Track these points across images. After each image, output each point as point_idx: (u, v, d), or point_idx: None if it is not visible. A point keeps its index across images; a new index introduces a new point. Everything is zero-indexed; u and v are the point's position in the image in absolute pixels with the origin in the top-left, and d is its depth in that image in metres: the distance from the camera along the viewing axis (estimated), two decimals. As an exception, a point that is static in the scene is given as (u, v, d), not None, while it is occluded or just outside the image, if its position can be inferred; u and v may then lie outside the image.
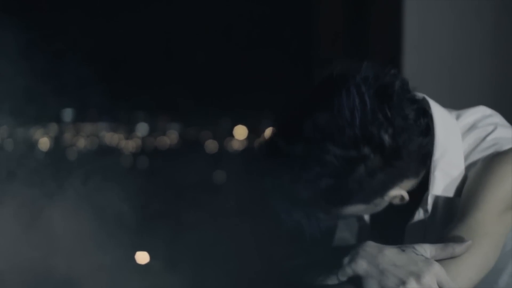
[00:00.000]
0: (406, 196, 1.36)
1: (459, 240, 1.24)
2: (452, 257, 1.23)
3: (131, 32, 3.31)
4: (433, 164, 1.39)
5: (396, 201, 1.37)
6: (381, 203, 1.37)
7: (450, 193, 1.39)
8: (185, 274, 2.12)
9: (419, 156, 1.34)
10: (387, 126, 1.27)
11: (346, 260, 1.24)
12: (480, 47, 2.59)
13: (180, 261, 2.21)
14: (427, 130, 1.35)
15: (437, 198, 1.40)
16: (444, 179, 1.39)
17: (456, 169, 1.39)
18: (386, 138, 1.27)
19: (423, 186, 1.40)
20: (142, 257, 2.36)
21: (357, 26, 2.85)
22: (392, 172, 1.31)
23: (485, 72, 2.58)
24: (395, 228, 1.44)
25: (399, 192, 1.35)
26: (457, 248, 1.23)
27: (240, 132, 3.89)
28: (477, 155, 1.39)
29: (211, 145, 3.88)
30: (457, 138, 1.41)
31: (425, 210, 1.40)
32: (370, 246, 1.24)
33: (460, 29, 2.55)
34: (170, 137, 3.83)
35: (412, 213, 1.41)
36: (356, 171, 1.28)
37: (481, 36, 2.58)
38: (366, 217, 1.53)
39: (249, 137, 3.89)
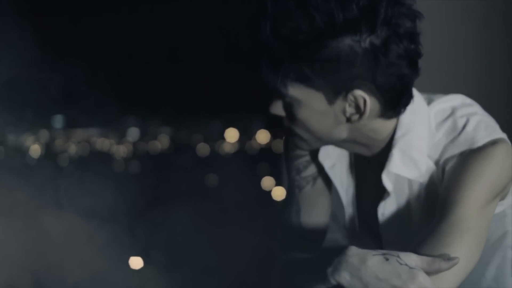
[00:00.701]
0: (368, 104, 1.33)
1: (446, 256, 1.24)
2: (437, 272, 1.23)
3: (121, 39, 3.31)
4: (393, 142, 1.40)
5: (352, 111, 1.34)
6: (337, 110, 1.35)
7: (411, 175, 1.40)
8: (179, 279, 2.12)
9: (398, 70, 1.31)
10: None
11: (329, 270, 1.23)
12: (469, 47, 2.60)
13: (174, 266, 2.21)
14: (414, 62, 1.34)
15: (402, 181, 1.42)
16: (402, 158, 1.40)
17: (417, 151, 1.40)
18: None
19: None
20: (136, 262, 2.35)
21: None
22: (375, 60, 1.29)
23: (475, 72, 2.59)
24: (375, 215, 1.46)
25: (363, 94, 1.32)
26: (444, 265, 1.23)
27: (231, 134, 3.89)
28: (454, 149, 1.39)
29: (202, 149, 3.88)
30: (423, 121, 1.41)
31: (383, 188, 1.40)
32: (353, 256, 1.23)
33: (448, 30, 2.56)
34: (162, 141, 3.83)
35: (380, 195, 1.43)
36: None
37: (470, 36, 2.59)
38: (351, 210, 1.53)
39: (241, 140, 3.89)
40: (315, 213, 1.54)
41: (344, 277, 1.22)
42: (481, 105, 1.48)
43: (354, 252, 1.23)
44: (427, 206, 1.41)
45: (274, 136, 3.86)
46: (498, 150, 1.34)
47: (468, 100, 1.46)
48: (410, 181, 1.42)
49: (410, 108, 1.39)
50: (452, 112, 1.43)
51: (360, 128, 1.37)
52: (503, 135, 1.39)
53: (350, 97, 1.32)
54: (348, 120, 1.35)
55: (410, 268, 1.21)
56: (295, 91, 1.32)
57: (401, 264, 1.22)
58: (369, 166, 1.48)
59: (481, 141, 1.36)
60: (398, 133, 1.40)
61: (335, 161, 1.52)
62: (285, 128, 1.40)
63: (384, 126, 1.39)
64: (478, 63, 2.59)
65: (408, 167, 1.40)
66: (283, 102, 1.35)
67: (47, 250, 1.83)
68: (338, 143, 1.41)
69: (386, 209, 1.44)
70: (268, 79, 1.34)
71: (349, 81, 1.30)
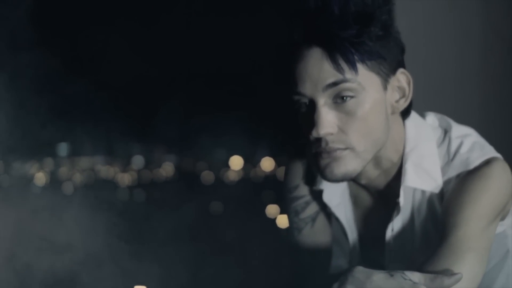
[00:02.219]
0: (411, 84, 1.38)
1: (449, 272, 1.25)
2: None
3: (125, 66, 3.32)
4: (404, 157, 1.42)
5: (397, 96, 1.39)
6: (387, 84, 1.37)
7: (428, 187, 1.41)
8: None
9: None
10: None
11: (335, 285, 1.24)
12: (471, 73, 2.60)
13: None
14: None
15: (416, 197, 1.42)
16: (416, 171, 1.41)
17: (429, 160, 1.42)
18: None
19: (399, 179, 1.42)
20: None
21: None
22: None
23: (477, 98, 2.59)
24: (380, 233, 1.45)
25: (406, 72, 1.38)
26: (446, 281, 1.23)
27: (236, 162, 3.90)
28: (450, 172, 1.41)
29: (207, 176, 3.88)
30: (427, 133, 1.44)
31: (397, 203, 1.41)
32: (359, 271, 1.24)
33: (450, 56, 2.57)
34: (166, 169, 3.84)
35: (391, 211, 1.42)
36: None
37: (473, 62, 2.60)
38: (354, 236, 1.53)
39: (245, 167, 3.89)
40: (316, 252, 1.54)
41: None
42: (483, 131, 1.49)
43: (360, 270, 1.24)
44: (431, 219, 1.41)
45: (278, 163, 3.87)
46: (494, 169, 1.36)
47: (452, 122, 1.49)
48: (414, 194, 1.42)
49: (412, 123, 1.43)
50: (446, 133, 1.45)
51: (392, 126, 1.39)
52: (497, 155, 1.40)
53: (397, 77, 1.38)
54: (393, 110, 1.38)
55: (414, 283, 1.22)
56: (362, 75, 1.33)
57: (405, 279, 1.22)
58: (369, 197, 1.49)
59: (476, 161, 1.38)
60: (407, 148, 1.42)
61: (339, 200, 1.52)
62: (329, 154, 1.35)
63: (399, 132, 1.42)
64: (481, 89, 2.60)
65: (423, 179, 1.42)
66: (336, 112, 1.34)
67: (51, 276, 1.83)
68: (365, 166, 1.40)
69: (395, 225, 1.44)
70: (329, 73, 1.32)
71: (399, 55, 1.38)
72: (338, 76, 1.31)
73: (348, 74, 1.31)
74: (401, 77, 1.38)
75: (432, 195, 1.42)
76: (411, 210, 1.43)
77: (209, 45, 3.47)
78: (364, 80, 1.33)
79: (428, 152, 1.42)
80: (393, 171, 1.44)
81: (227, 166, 3.88)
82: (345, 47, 1.31)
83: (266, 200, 3.81)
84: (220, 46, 3.46)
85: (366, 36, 1.31)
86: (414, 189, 1.43)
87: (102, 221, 1.93)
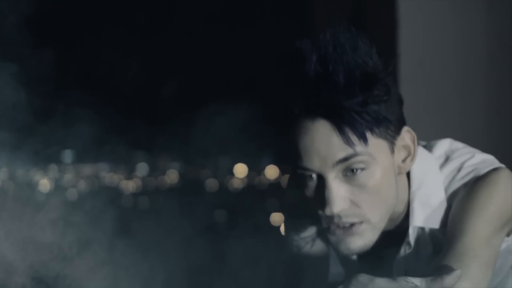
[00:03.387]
0: (416, 141, 1.33)
1: (448, 269, 1.24)
2: None
3: (126, 72, 3.33)
4: (411, 196, 1.39)
5: (403, 155, 1.33)
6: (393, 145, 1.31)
7: (435, 224, 1.39)
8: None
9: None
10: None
11: None
12: (475, 83, 2.60)
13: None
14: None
15: (422, 233, 1.40)
16: (423, 209, 1.38)
17: (436, 199, 1.39)
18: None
19: (407, 220, 1.40)
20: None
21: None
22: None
23: (481, 109, 2.59)
24: (382, 265, 1.43)
25: (410, 130, 1.32)
26: (446, 279, 1.22)
27: (240, 170, 3.90)
28: (457, 184, 1.39)
29: (211, 184, 3.88)
30: (433, 168, 1.41)
31: (407, 243, 1.39)
32: (363, 276, 1.21)
33: (454, 66, 2.57)
34: (170, 177, 3.84)
35: (398, 249, 1.41)
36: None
37: (477, 72, 2.60)
38: (354, 257, 1.51)
39: (249, 175, 3.89)
40: (314, 270, 1.53)
41: None
42: (485, 138, 1.49)
43: (364, 275, 1.22)
44: (436, 250, 1.40)
45: (283, 171, 3.86)
46: (501, 176, 1.34)
47: (460, 144, 1.46)
48: (420, 229, 1.41)
49: (416, 161, 1.37)
50: (447, 157, 1.43)
51: (399, 185, 1.35)
52: (503, 166, 1.39)
53: (402, 137, 1.32)
54: (399, 171, 1.33)
55: (416, 285, 1.21)
56: (372, 144, 1.26)
57: (407, 282, 1.21)
58: None
59: (483, 170, 1.36)
60: (413, 187, 1.38)
61: None
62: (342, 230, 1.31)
63: (404, 183, 1.38)
64: (484, 97, 2.60)
65: (430, 217, 1.39)
66: (347, 185, 1.28)
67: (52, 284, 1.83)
68: None
69: (400, 260, 1.42)
70: (338, 148, 1.25)
71: (401, 112, 1.31)
72: (349, 151, 1.25)
73: (359, 147, 1.25)
74: (406, 136, 1.33)
75: (438, 230, 1.40)
76: (416, 244, 1.41)
77: (213, 54, 3.47)
78: (373, 149, 1.27)
79: (435, 188, 1.39)
80: (401, 216, 1.40)
81: (231, 173, 3.88)
82: (353, 118, 1.23)
83: (270, 208, 3.80)
84: (222, 54, 3.46)
85: (372, 102, 1.24)
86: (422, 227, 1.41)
87: (106, 228, 1.93)
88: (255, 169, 3.88)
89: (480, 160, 1.39)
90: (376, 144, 1.27)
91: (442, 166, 1.42)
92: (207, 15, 3.42)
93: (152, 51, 3.42)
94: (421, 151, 1.41)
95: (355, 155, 1.26)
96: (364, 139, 1.25)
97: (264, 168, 3.92)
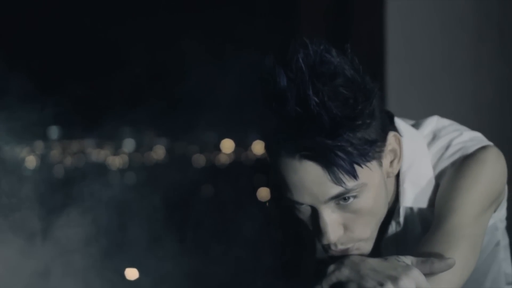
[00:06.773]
0: (401, 142, 1.31)
1: (441, 257, 1.25)
2: (431, 273, 1.23)
3: (116, 49, 3.31)
4: (401, 177, 1.40)
5: (391, 157, 1.31)
6: (378, 161, 1.29)
7: (423, 204, 1.40)
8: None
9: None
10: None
11: (331, 268, 1.24)
12: (463, 59, 2.61)
13: (169, 277, 2.20)
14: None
15: (411, 212, 1.41)
16: (413, 190, 1.39)
17: (425, 179, 1.39)
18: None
19: (396, 200, 1.41)
20: (132, 274, 2.35)
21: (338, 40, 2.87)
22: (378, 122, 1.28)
23: (469, 86, 2.60)
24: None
25: (394, 133, 1.30)
26: (436, 264, 1.23)
27: (227, 146, 3.89)
28: (445, 162, 1.39)
29: (198, 159, 3.88)
30: (422, 148, 1.41)
31: (397, 223, 1.40)
32: (355, 256, 1.25)
33: (442, 43, 2.57)
34: (157, 153, 3.83)
35: (386, 228, 1.42)
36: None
37: (465, 48, 2.60)
38: None
39: (236, 151, 3.89)
40: (300, 245, 1.54)
41: (343, 272, 1.23)
42: (473, 120, 1.49)
43: (356, 255, 1.26)
44: (425, 228, 1.41)
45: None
46: (489, 155, 1.35)
47: (446, 121, 1.46)
48: (409, 209, 1.42)
49: (406, 139, 1.38)
50: (435, 135, 1.43)
51: (387, 185, 1.35)
52: (491, 144, 1.40)
53: (388, 142, 1.30)
54: (388, 175, 1.32)
55: (407, 264, 1.22)
56: (362, 173, 1.25)
57: (398, 261, 1.23)
58: None
59: (471, 148, 1.37)
60: (404, 167, 1.39)
61: None
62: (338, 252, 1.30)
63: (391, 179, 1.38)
64: (473, 78, 2.60)
65: (420, 197, 1.40)
66: (340, 212, 1.27)
67: (42, 261, 1.83)
68: None
69: (389, 239, 1.44)
70: (329, 187, 1.24)
71: (386, 121, 1.30)
72: (340, 189, 1.25)
73: (350, 183, 1.24)
74: (392, 140, 1.31)
75: (426, 209, 1.41)
76: (405, 223, 1.42)
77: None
78: (364, 176, 1.26)
79: (424, 167, 1.40)
80: (392, 198, 1.41)
81: (218, 149, 3.88)
82: (341, 158, 1.21)
83: (257, 183, 3.81)
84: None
85: (358, 132, 1.22)
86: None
87: (93, 204, 1.93)
88: (242, 144, 3.88)
89: (468, 138, 1.40)
90: (365, 170, 1.26)
91: (429, 144, 1.42)
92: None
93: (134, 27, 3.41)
94: (409, 131, 1.42)
95: (347, 191, 1.26)
96: (355, 175, 1.23)
97: (251, 144, 3.92)
